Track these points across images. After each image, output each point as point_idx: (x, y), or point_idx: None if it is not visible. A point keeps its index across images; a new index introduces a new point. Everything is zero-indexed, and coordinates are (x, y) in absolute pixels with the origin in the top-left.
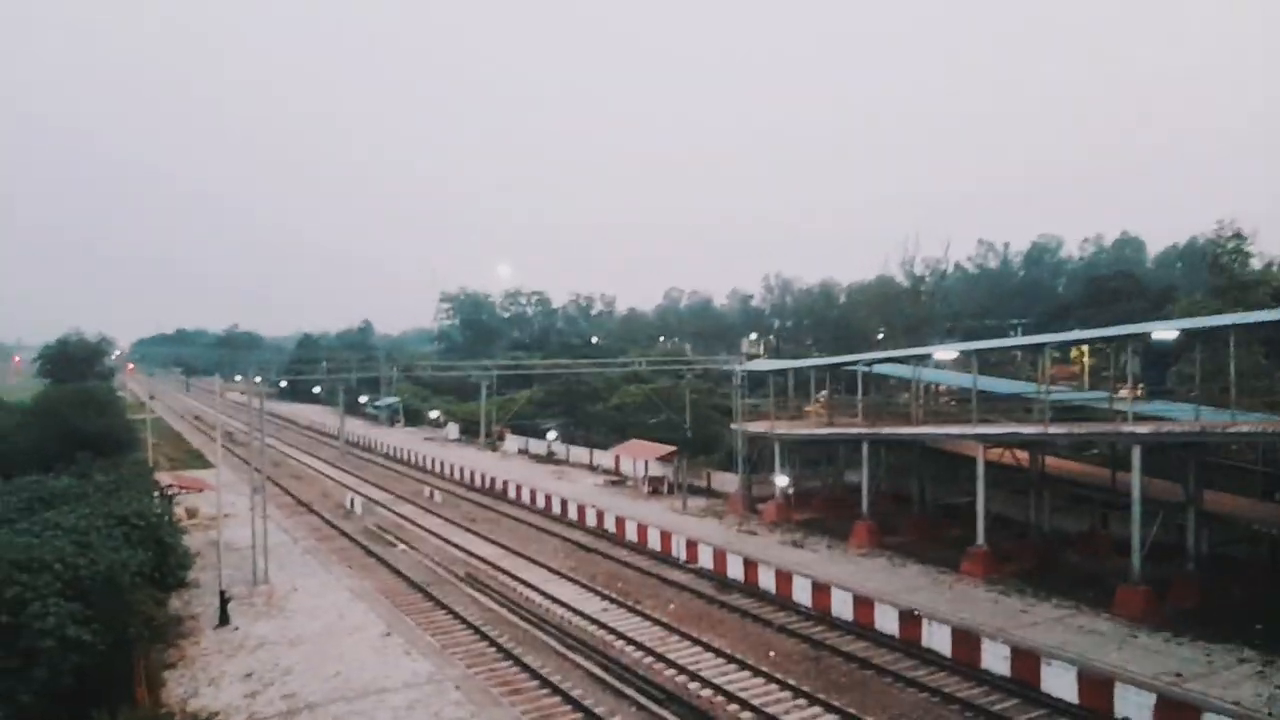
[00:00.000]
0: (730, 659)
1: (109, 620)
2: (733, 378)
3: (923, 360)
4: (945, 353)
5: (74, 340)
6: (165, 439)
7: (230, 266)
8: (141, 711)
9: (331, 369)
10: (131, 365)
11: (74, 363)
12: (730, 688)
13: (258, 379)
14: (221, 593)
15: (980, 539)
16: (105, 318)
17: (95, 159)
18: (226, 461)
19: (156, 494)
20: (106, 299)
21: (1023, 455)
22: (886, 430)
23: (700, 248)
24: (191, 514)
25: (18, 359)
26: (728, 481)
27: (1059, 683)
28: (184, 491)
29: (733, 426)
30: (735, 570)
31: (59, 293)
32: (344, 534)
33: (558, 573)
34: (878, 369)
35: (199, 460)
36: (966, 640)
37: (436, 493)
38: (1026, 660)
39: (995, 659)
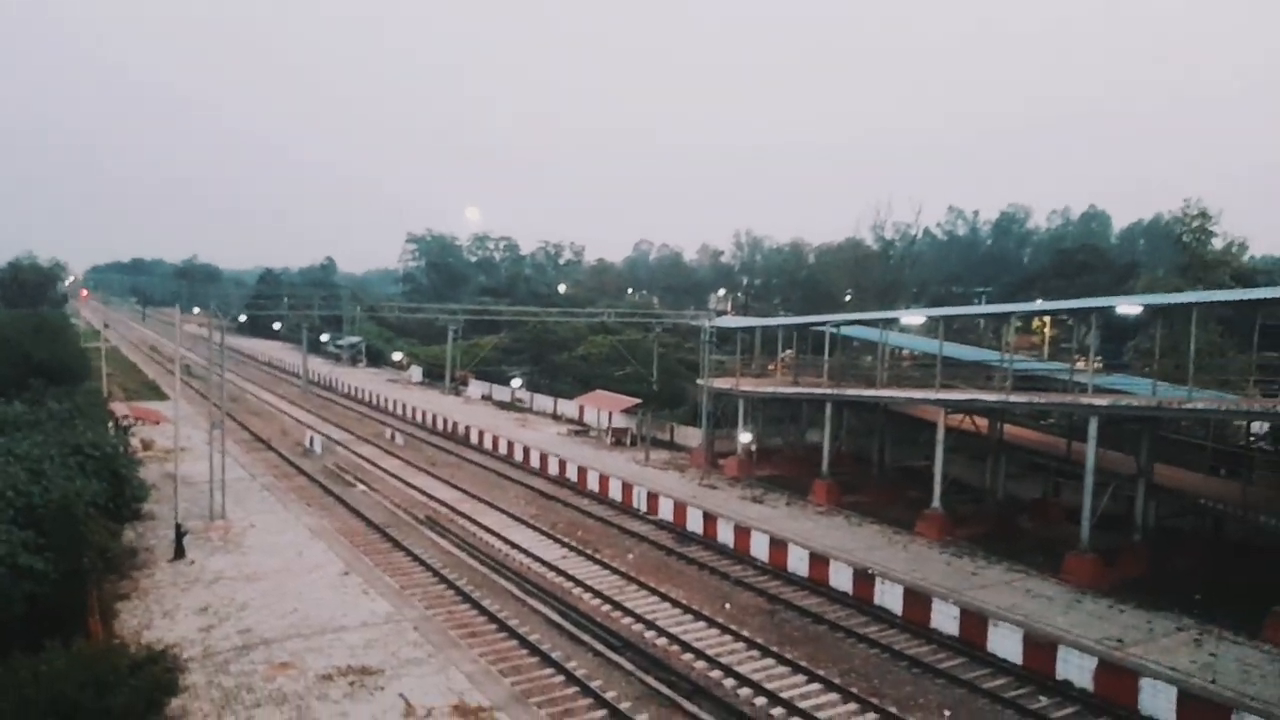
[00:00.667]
0: (687, 610)
1: (62, 550)
2: (701, 333)
3: (889, 324)
4: (912, 318)
5: (26, 264)
6: (120, 369)
7: (191, 193)
8: (94, 642)
9: (293, 306)
10: (86, 291)
11: (26, 287)
12: (686, 638)
13: (217, 313)
14: (177, 526)
15: (936, 502)
16: (58, 242)
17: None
18: (183, 394)
19: (111, 425)
20: (59, 222)
21: (982, 422)
22: (851, 392)
23: (671, 200)
24: (147, 446)
25: None
26: (691, 436)
27: (1005, 644)
28: (140, 423)
29: (699, 382)
30: (695, 523)
31: (7, 212)
32: (303, 472)
33: (518, 519)
34: (845, 331)
35: (155, 392)
36: (917, 600)
37: (398, 435)
38: (975, 621)
39: (945, 619)
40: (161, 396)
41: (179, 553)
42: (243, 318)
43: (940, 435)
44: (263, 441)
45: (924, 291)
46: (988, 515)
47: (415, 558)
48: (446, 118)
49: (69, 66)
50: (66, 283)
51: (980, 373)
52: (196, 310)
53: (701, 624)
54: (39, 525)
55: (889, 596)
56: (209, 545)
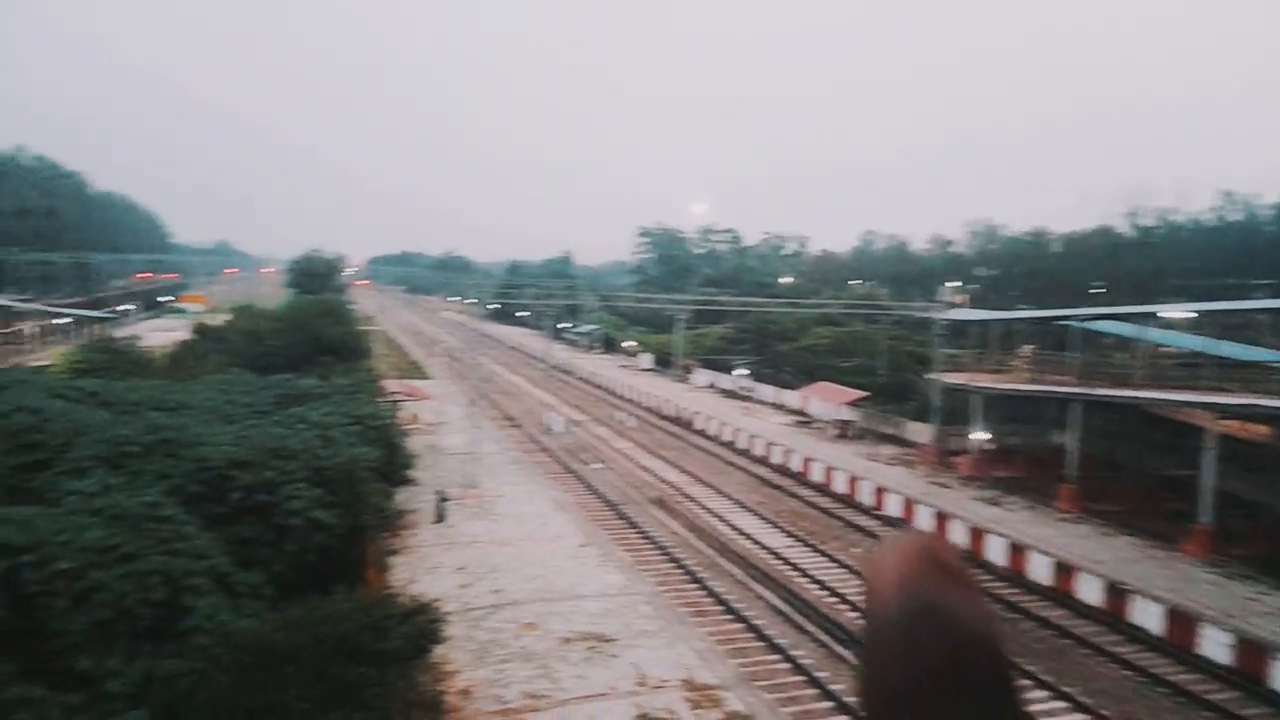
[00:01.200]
0: None
1: (346, 507)
2: (932, 325)
3: (1147, 319)
4: (1175, 312)
5: (315, 257)
6: (390, 350)
7: (451, 196)
8: (372, 591)
9: (537, 296)
10: (368, 280)
11: (315, 276)
12: None
13: (472, 301)
14: (439, 492)
15: (1205, 515)
16: (342, 237)
17: (347, 101)
18: (443, 373)
19: (383, 400)
20: (344, 220)
21: (1259, 429)
22: (1102, 391)
23: (897, 189)
24: (413, 419)
25: (266, 270)
26: (918, 432)
27: None
28: (407, 399)
29: (929, 376)
30: (925, 521)
31: (303, 212)
32: (545, 449)
33: (742, 505)
34: (1094, 326)
35: (419, 371)
36: (1181, 622)
37: (629, 418)
38: (1254, 652)
39: (1214, 645)
40: (425, 376)
41: (440, 516)
42: (492, 306)
43: (1209, 443)
44: (511, 419)
45: (1189, 284)
46: (1267, 534)
47: (646, 535)
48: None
49: (369, 107)
50: (347, 273)
51: (1260, 374)
52: (451, 299)
53: None
54: (328, 485)
55: (1146, 615)
56: (465, 511)
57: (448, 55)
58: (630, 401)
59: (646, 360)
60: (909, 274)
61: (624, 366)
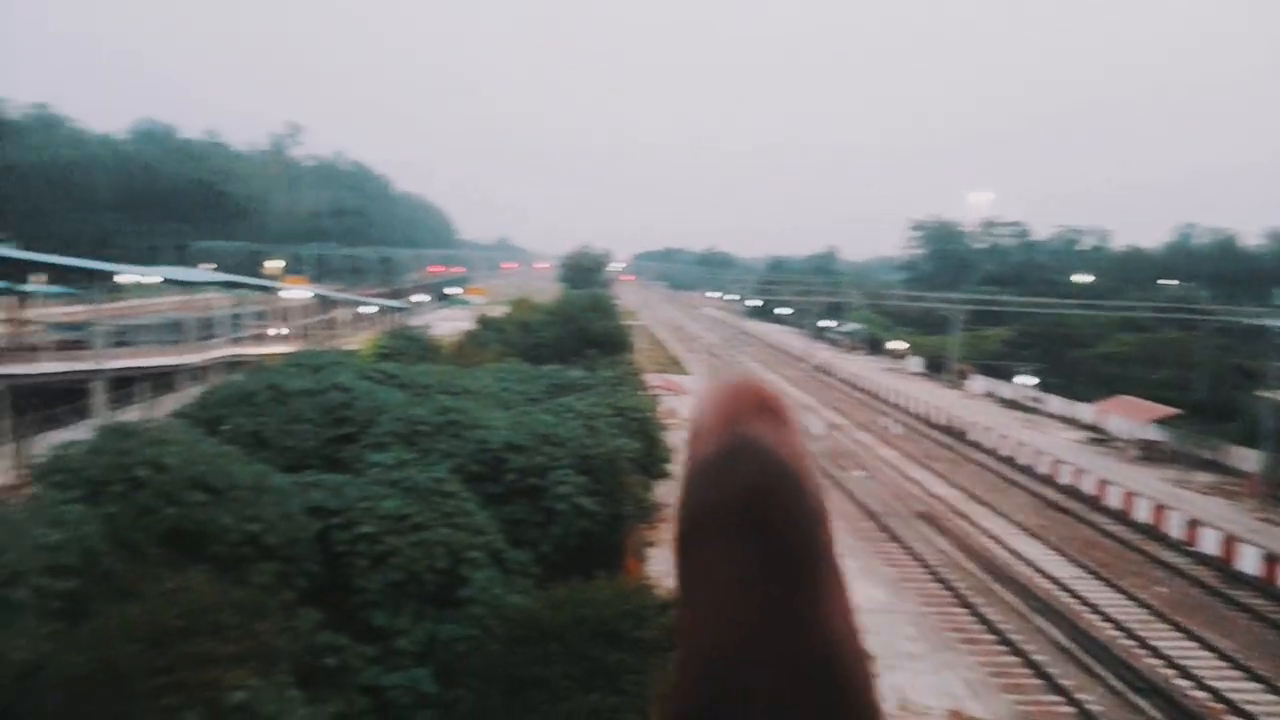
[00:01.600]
0: (1237, 665)
1: (608, 495)
2: (1268, 335)
3: None
4: None
5: (584, 253)
6: (651, 345)
7: (713, 192)
8: (631, 578)
9: (798, 292)
10: (633, 276)
11: (584, 271)
12: (1234, 697)
13: (733, 297)
14: None
15: None
16: (610, 234)
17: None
18: (701, 369)
19: (644, 393)
20: (613, 218)
21: None
22: None
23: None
24: (671, 414)
25: (540, 265)
26: (1244, 458)
27: None
28: (666, 393)
29: (1261, 394)
30: (1250, 563)
31: (575, 210)
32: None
33: (1022, 527)
34: None
35: (677, 366)
36: None
37: (895, 424)
38: None
39: None
40: (683, 371)
41: None
42: (750, 302)
43: None
44: None
45: None
46: None
47: (911, 551)
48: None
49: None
50: (613, 268)
51: None
52: (710, 294)
53: (1257, 686)
54: (593, 473)
55: None
56: None
57: (709, 58)
58: (896, 407)
59: (915, 363)
60: (1236, 274)
61: (890, 369)
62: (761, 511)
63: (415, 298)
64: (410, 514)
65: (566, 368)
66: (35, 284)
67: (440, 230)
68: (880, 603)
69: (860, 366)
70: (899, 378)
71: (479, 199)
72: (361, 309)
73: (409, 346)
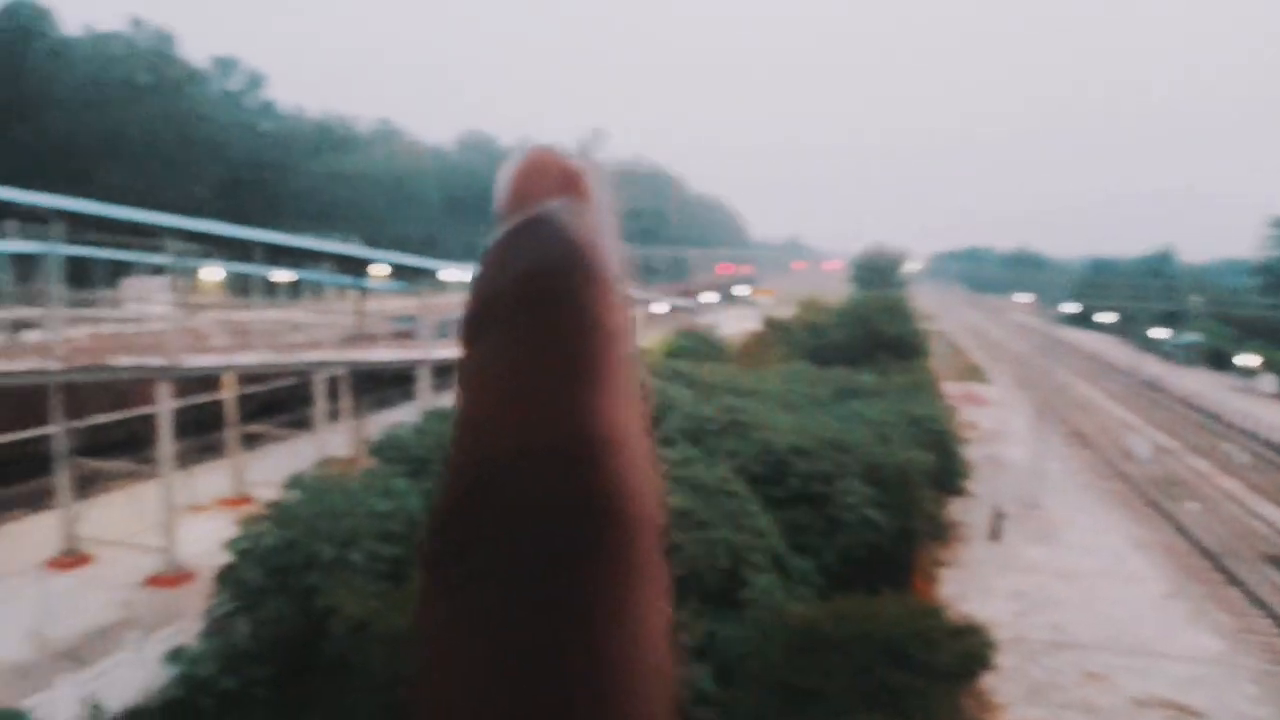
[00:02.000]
0: None
1: (897, 509)
2: None
3: None
4: None
5: (878, 252)
6: (948, 351)
7: (1024, 187)
8: (919, 599)
9: (1124, 297)
10: (930, 278)
11: (877, 272)
12: None
13: (1045, 301)
14: (996, 509)
15: None
16: (906, 232)
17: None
18: (1005, 380)
19: (941, 402)
20: (909, 216)
21: None
22: None
23: None
24: (970, 426)
25: (830, 265)
26: None
27: None
28: (965, 404)
29: None
30: None
31: (868, 208)
32: (1124, 476)
33: None
34: None
35: (977, 375)
36: None
37: (1240, 451)
38: None
39: None
40: (984, 380)
41: (995, 534)
42: (1067, 307)
43: None
44: (1082, 437)
45: None
46: None
47: (1256, 599)
48: None
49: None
50: (909, 268)
51: None
52: (1023, 297)
53: None
54: (881, 484)
55: None
56: (1023, 533)
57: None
58: (1242, 431)
59: (1270, 383)
60: None
61: (1237, 389)
62: (540, 294)
63: (704, 298)
64: (694, 511)
65: (856, 372)
66: (374, 280)
67: (730, 230)
68: (1215, 653)
69: (1199, 383)
70: (1248, 398)
71: (769, 198)
72: (652, 308)
73: (698, 346)
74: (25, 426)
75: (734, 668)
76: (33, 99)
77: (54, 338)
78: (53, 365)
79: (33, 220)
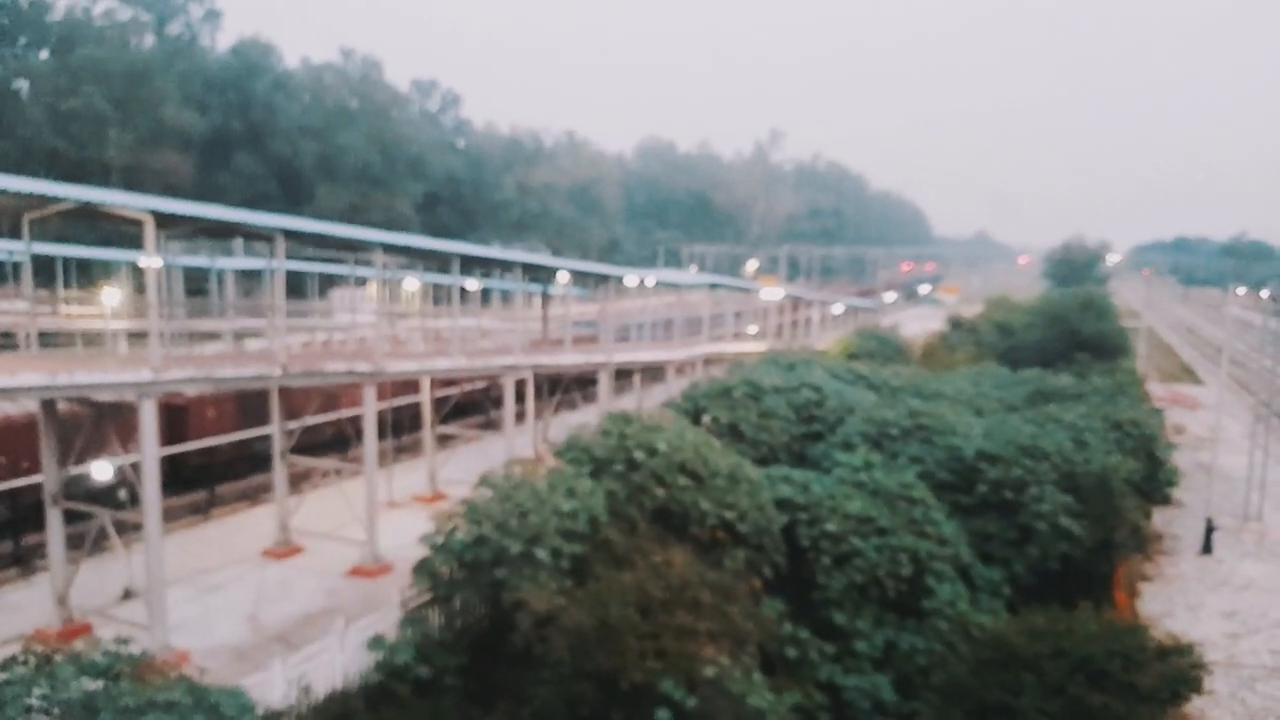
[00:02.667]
0: None
1: (1096, 519)
2: None
3: None
4: None
5: (1075, 246)
6: (1156, 351)
7: (1235, 169)
8: (1119, 616)
9: None
10: (1134, 270)
11: (1074, 267)
12: None
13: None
14: (1208, 520)
15: None
16: (1106, 224)
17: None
18: (1219, 381)
19: (1146, 405)
20: (1108, 205)
21: None
22: None
23: None
24: (1179, 431)
25: (1024, 259)
26: None
27: None
28: (1172, 406)
29: None
30: None
31: (1064, 199)
32: None
33: None
34: None
35: (1190, 376)
36: None
37: None
38: None
39: None
40: (1196, 381)
41: (1206, 548)
42: None
43: None
44: None
45: None
46: None
47: None
48: None
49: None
50: (1111, 262)
51: None
52: (1246, 290)
53: None
54: (1078, 492)
55: None
56: (1240, 547)
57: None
58: None
59: None
60: None
61: None
62: None
63: (885, 297)
64: (875, 517)
65: (1051, 374)
66: (558, 286)
67: (913, 226)
68: None
69: None
70: None
71: (956, 192)
72: (832, 309)
73: (878, 347)
74: (246, 427)
75: (916, 679)
76: (257, 128)
77: (275, 345)
78: (274, 370)
79: (258, 239)
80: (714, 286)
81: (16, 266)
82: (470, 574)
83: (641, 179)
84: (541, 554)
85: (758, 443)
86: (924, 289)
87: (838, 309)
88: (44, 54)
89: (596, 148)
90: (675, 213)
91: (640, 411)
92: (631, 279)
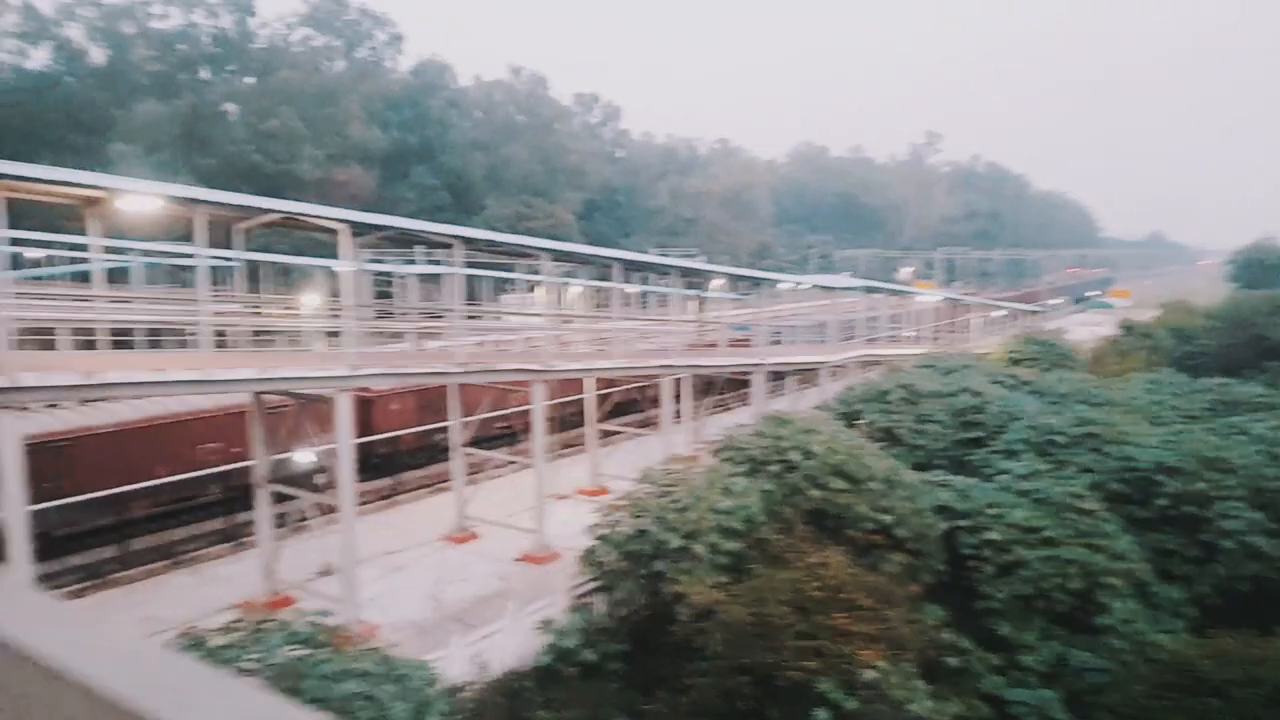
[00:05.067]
0: None
1: None
2: None
3: None
4: None
5: (1265, 247)
6: None
7: None
8: None
9: None
10: None
11: (1265, 269)
12: None
13: None
14: None
15: None
16: None
17: None
18: None
19: None
20: None
21: None
22: None
23: None
24: None
25: (1204, 263)
26: None
27: None
28: None
29: None
30: None
31: (1248, 198)
32: None
33: None
34: None
35: None
36: None
37: None
38: None
39: None
40: None
41: None
42: None
43: None
44: None
45: None
46: None
47: None
48: None
49: None
50: None
51: None
52: None
53: None
54: (1272, 509)
55: None
56: None
57: None
58: None
59: None
60: None
61: None
62: None
63: (1049, 301)
64: (1041, 527)
65: (1237, 382)
66: (712, 290)
67: (1078, 228)
68: None
69: None
70: None
71: (1128, 193)
72: (991, 313)
73: (1042, 352)
74: (422, 421)
75: (1087, 698)
76: (433, 144)
77: (455, 345)
78: (454, 368)
79: (436, 246)
80: (869, 289)
81: (218, 272)
82: (632, 565)
83: (792, 183)
84: (699, 549)
85: (914, 447)
86: (1092, 293)
87: (997, 313)
88: (249, 79)
89: (749, 155)
90: (825, 216)
91: (794, 413)
92: (784, 283)
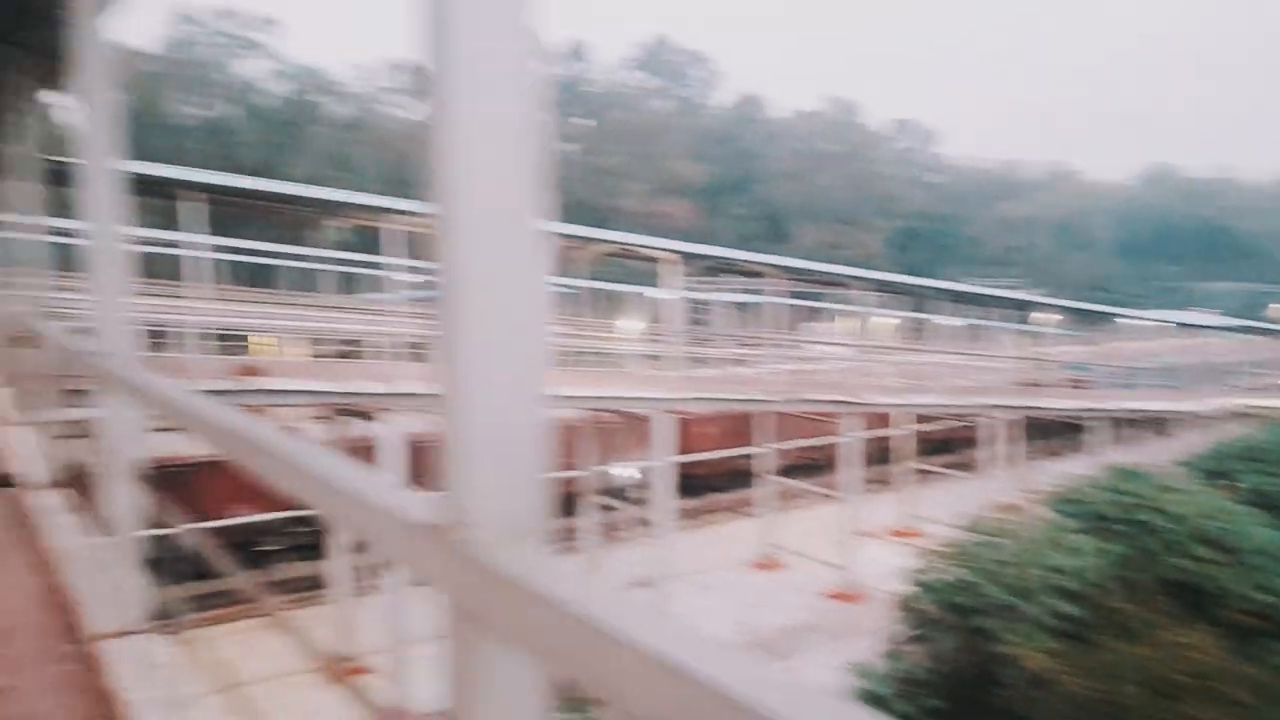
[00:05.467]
0: None
1: None
2: None
3: None
4: None
5: None
6: None
7: None
8: None
9: None
10: None
11: None
12: None
13: None
14: None
15: None
16: None
17: None
18: None
19: None
20: None
21: None
22: None
23: None
24: None
25: None
26: None
27: None
28: None
29: None
30: None
31: None
32: None
33: None
34: None
35: None
36: None
37: None
38: None
39: None
40: None
41: None
42: None
43: None
44: None
45: None
46: None
47: None
48: None
49: None
50: None
51: None
52: None
53: None
54: None
55: None
56: None
57: None
58: None
59: None
60: None
61: None
62: None
63: None
64: None
65: None
66: (1042, 324)
67: None
68: None
69: None
70: None
71: None
72: None
73: None
74: (725, 446)
75: None
76: (746, 175)
77: (766, 373)
78: (763, 396)
79: (749, 275)
80: (1244, 330)
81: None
82: (953, 617)
83: (1137, 209)
84: (1031, 610)
85: None
86: None
87: None
88: (589, 121)
89: (1087, 178)
90: (1178, 245)
91: (1148, 467)
92: (1128, 318)
